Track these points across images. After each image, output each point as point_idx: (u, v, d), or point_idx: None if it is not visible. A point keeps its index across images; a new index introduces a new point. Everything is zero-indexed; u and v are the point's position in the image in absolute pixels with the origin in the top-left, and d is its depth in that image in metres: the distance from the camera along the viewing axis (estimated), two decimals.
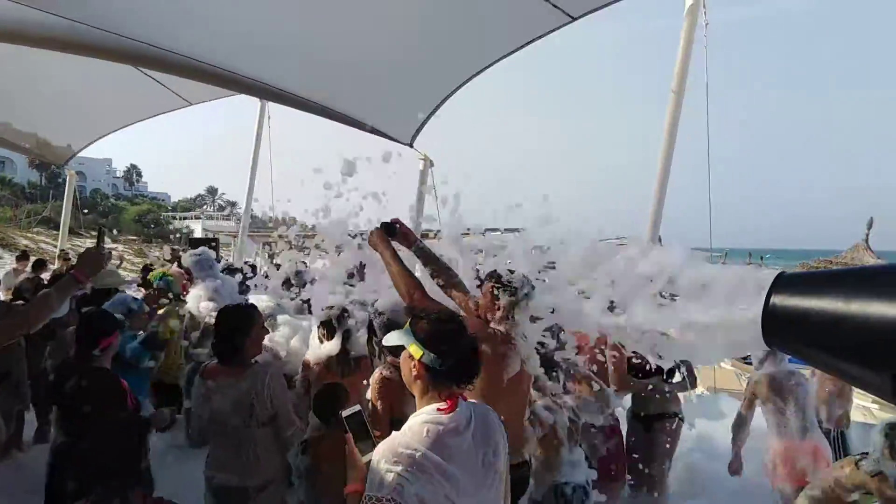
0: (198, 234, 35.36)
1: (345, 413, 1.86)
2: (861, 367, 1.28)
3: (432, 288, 2.69)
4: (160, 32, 4.88)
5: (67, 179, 9.01)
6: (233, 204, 72.39)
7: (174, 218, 55.44)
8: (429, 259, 2.87)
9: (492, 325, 2.66)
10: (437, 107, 5.81)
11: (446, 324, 1.87)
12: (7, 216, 32.47)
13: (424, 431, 1.73)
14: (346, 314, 3.54)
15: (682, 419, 4.53)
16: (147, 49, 5.01)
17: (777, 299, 1.41)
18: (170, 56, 5.15)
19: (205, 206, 73.60)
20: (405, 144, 6.42)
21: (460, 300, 2.73)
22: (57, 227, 35.10)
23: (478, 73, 5.47)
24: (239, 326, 2.88)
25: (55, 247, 22.78)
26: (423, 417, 1.79)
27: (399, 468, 1.65)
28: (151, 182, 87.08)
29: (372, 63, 5.50)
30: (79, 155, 9.02)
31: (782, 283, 1.43)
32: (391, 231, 2.80)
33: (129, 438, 2.60)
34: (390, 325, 2.72)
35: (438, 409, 1.78)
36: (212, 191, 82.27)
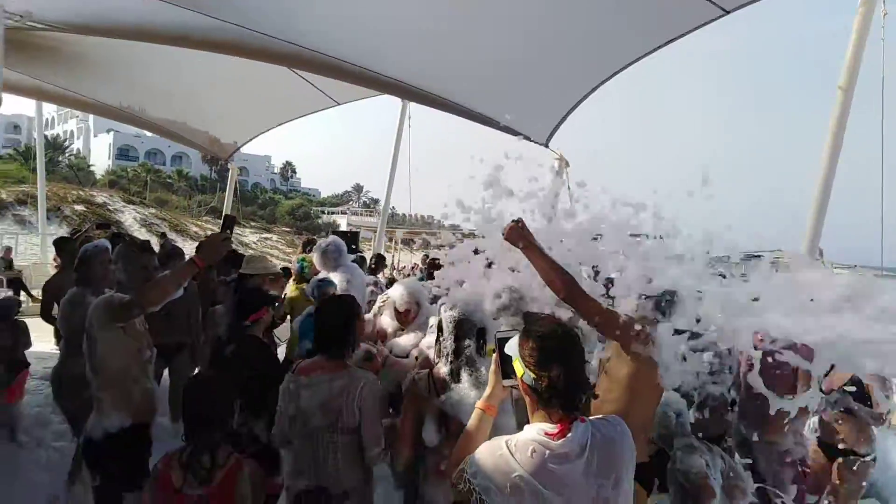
0: (343, 228, 37.40)
1: (500, 334, 1.87)
2: None
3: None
4: (312, 36, 5.19)
5: (230, 173, 9.88)
6: (376, 201, 75.74)
7: (322, 212, 58.98)
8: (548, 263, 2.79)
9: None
10: (575, 106, 5.68)
11: (553, 341, 1.70)
12: (182, 205, 36.31)
13: (529, 452, 1.63)
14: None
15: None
16: (300, 51, 5.36)
17: None
18: (320, 57, 5.46)
19: (350, 202, 77.64)
20: (541, 144, 6.34)
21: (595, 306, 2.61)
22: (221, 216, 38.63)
23: (621, 70, 5.26)
24: (345, 319, 2.72)
25: None
26: (532, 435, 1.67)
27: (493, 483, 1.62)
28: (304, 178, 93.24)
29: (510, 62, 5.48)
30: (242, 151, 9.83)
31: None
32: None
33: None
34: (462, 324, 2.51)
35: (547, 434, 1.65)
36: (358, 188, 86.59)
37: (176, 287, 2.94)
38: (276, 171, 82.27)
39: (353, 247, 8.96)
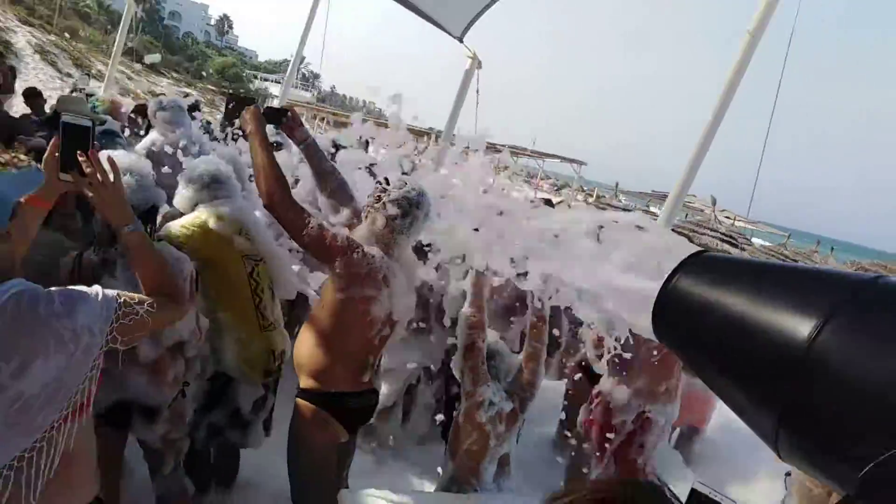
0: (276, 99, 35.30)
1: (66, 118, 1.45)
2: (745, 395, 0.93)
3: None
4: None
5: (126, 5, 8.81)
6: (317, 76, 72.08)
7: (255, 77, 55.67)
8: (318, 163, 2.44)
9: (366, 247, 2.17)
10: (493, 1, 5.26)
11: None
12: (97, 40, 33.13)
13: None
14: None
15: None
16: None
17: (683, 282, 1.04)
18: None
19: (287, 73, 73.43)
20: (455, 38, 5.92)
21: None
22: (139, 61, 35.67)
23: None
24: None
25: (129, 78, 23.22)
26: None
27: None
28: (243, 37, 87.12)
29: None
30: None
31: (698, 264, 1.05)
32: (276, 119, 2.32)
33: None
34: None
35: None
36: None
37: None
38: (211, 22, 76.30)
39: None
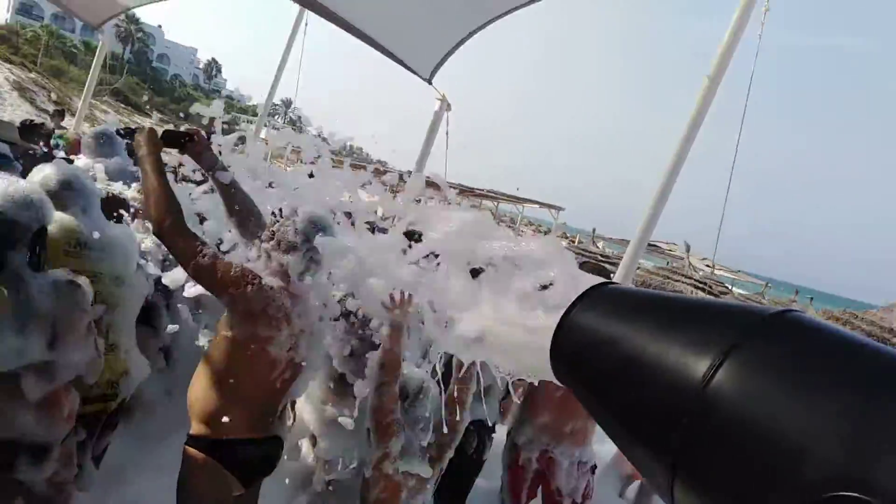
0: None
1: None
2: (640, 443, 0.81)
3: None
4: None
5: (100, 45, 8.81)
6: (301, 118, 72.48)
7: (241, 120, 56.01)
8: (228, 191, 2.25)
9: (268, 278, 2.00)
10: (462, 41, 5.28)
11: None
12: (81, 80, 33.29)
13: None
14: None
15: None
16: None
17: (582, 315, 0.93)
18: None
19: (276, 116, 74.05)
20: (424, 80, 5.92)
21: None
22: (126, 102, 35.83)
23: (514, 10, 4.89)
24: None
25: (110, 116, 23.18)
26: None
27: None
28: (232, 80, 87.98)
29: None
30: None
31: (601, 295, 0.95)
32: (177, 143, 2.13)
33: None
34: None
35: None
36: (287, 103, 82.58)
37: None
38: (199, 66, 77.14)
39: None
